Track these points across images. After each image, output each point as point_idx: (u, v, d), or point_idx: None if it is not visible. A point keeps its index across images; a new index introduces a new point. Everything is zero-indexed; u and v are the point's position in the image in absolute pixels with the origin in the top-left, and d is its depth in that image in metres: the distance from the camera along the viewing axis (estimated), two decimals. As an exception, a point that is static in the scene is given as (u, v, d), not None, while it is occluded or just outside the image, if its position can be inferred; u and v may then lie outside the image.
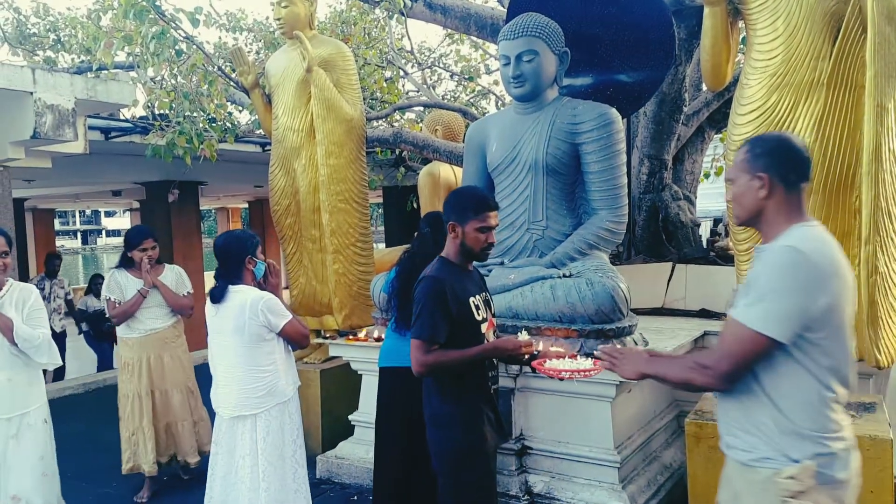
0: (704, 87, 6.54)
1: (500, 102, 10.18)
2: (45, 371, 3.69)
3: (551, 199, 4.24)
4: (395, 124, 9.23)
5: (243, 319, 3.12)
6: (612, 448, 3.71)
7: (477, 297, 2.85)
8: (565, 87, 4.59)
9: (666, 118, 6.06)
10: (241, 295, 3.17)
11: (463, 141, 5.87)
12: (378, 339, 4.27)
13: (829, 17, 3.40)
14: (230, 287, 3.21)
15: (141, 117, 7.48)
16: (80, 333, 8.63)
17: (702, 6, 3.75)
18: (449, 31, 9.49)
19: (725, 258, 5.60)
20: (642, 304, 5.06)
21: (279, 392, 3.21)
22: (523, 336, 2.86)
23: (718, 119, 6.70)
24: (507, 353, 2.82)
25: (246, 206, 17.51)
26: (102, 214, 55.34)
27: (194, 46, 6.27)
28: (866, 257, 3.28)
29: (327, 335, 5.28)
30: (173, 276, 4.52)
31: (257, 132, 7.51)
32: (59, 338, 8.24)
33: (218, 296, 3.20)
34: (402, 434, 3.48)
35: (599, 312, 3.66)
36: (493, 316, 3.00)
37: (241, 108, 7.94)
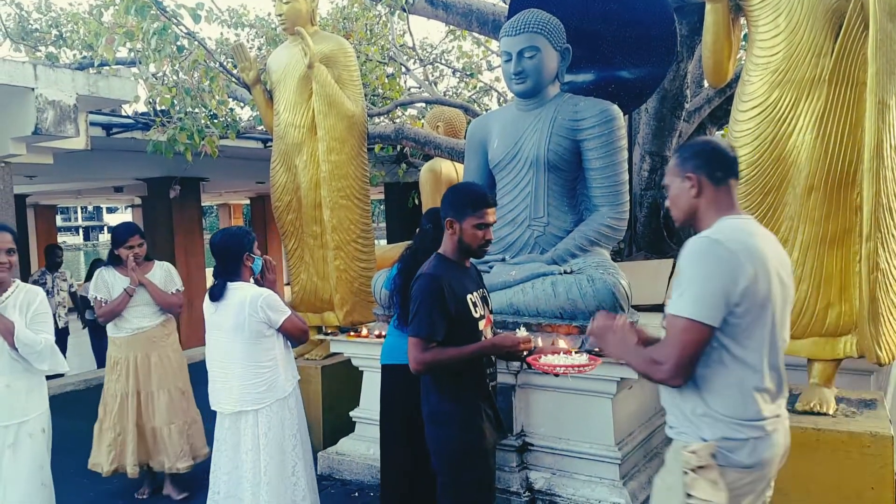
0: (706, 84, 6.54)
1: (501, 99, 10.16)
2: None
3: (553, 196, 4.24)
4: (397, 121, 9.23)
5: (243, 316, 3.13)
6: (613, 444, 3.71)
7: (474, 293, 2.85)
8: (567, 83, 4.59)
9: (667, 115, 6.05)
10: (241, 292, 3.18)
11: (464, 137, 5.86)
12: (379, 336, 4.27)
13: (831, 14, 3.39)
14: (229, 284, 3.22)
15: (142, 113, 7.47)
16: (84, 327, 8.56)
17: (703, 3, 3.73)
18: (451, 27, 9.47)
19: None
20: (643, 300, 5.04)
21: (279, 388, 3.23)
22: (521, 332, 2.86)
23: (720, 115, 6.70)
24: (505, 350, 2.82)
25: (247, 202, 17.51)
26: (104, 210, 55.28)
27: (196, 42, 6.27)
28: (867, 254, 3.27)
29: (328, 332, 5.28)
30: (162, 274, 4.40)
31: (259, 128, 7.49)
32: (62, 335, 8.21)
33: (217, 294, 3.21)
34: (404, 432, 3.49)
35: (600, 309, 3.65)
36: (491, 313, 3.00)
37: (242, 104, 7.93)
